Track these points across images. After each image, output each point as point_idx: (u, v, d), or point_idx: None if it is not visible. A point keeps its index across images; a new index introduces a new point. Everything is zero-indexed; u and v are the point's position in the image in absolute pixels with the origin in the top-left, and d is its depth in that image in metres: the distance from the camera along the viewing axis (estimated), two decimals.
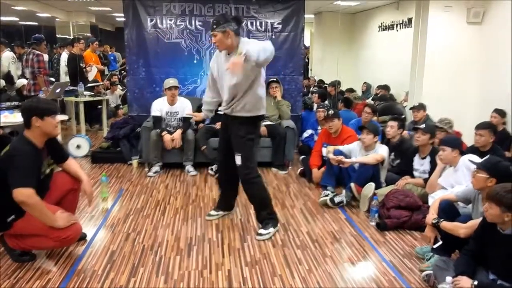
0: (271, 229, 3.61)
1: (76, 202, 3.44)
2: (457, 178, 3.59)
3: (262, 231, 3.59)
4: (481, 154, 3.88)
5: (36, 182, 2.83)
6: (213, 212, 3.99)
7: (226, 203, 4.03)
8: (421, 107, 5.82)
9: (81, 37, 8.55)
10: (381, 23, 9.98)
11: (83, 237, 3.41)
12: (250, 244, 3.47)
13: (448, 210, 3.14)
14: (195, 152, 5.48)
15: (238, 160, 3.51)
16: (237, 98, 3.42)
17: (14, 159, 2.80)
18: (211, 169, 5.35)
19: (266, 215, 3.66)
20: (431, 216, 3.14)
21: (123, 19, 6.15)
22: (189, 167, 5.44)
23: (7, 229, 2.95)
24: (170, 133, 5.33)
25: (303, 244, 3.48)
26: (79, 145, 6.08)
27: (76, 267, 3.04)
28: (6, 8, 9.12)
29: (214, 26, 3.29)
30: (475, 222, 2.77)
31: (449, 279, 2.54)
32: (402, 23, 8.97)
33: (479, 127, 4.25)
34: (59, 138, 3.62)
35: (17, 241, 3.01)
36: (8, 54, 8.32)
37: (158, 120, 5.40)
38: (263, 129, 5.61)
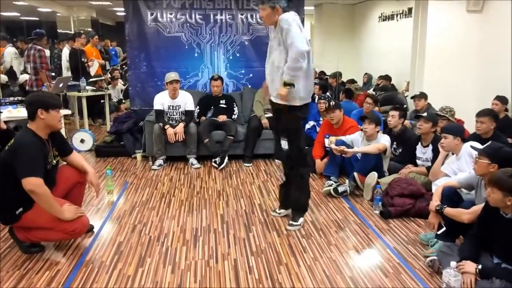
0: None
1: (82, 195, 3.49)
2: (460, 166, 3.62)
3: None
4: (483, 141, 3.90)
5: (43, 172, 2.86)
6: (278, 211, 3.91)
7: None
8: (422, 96, 5.84)
9: (82, 31, 8.53)
10: (381, 14, 9.97)
11: (90, 229, 3.45)
12: (255, 234, 3.51)
13: (451, 196, 3.17)
14: (198, 145, 5.51)
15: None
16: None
17: (20, 151, 2.84)
18: (215, 162, 5.38)
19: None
20: (435, 202, 3.17)
21: (123, 13, 6.16)
22: (192, 160, 5.47)
23: (16, 222, 2.98)
24: (173, 126, 5.36)
25: (308, 233, 3.52)
26: (83, 140, 6.11)
27: (84, 258, 3.08)
28: (7, 3, 9.13)
29: (265, 0, 3.27)
30: (478, 208, 2.80)
31: (453, 263, 2.57)
32: (402, 13, 8.97)
33: (480, 114, 4.28)
34: (63, 132, 3.65)
35: (26, 234, 3.05)
36: (10, 50, 8.33)
37: (160, 114, 5.43)
38: (265, 122, 5.64)
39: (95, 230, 3.53)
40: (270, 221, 3.76)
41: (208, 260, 3.06)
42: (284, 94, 3.22)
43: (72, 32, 10.95)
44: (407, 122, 5.26)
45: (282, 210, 3.86)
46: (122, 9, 6.18)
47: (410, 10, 8.33)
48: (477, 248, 2.68)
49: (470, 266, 2.53)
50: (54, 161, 3.12)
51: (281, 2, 3.24)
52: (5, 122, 4.44)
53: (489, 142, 3.38)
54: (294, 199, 3.68)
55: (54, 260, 3.05)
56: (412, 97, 6.18)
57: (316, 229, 3.59)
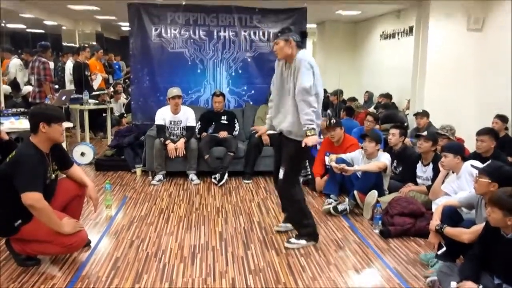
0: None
1: (80, 208, 3.47)
2: (460, 184, 3.60)
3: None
4: (483, 160, 3.89)
5: (43, 187, 2.86)
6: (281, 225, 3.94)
7: None
8: (424, 114, 5.87)
9: (86, 45, 8.61)
10: (383, 32, 10.04)
11: (87, 244, 3.42)
12: (254, 252, 3.48)
13: (452, 215, 3.15)
14: (198, 161, 5.51)
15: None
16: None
17: (21, 163, 2.84)
18: (215, 178, 5.37)
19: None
20: (435, 222, 3.15)
21: (128, 28, 6.22)
22: (192, 176, 5.46)
23: (14, 234, 2.97)
24: (174, 141, 5.36)
25: (307, 252, 3.49)
26: (83, 153, 6.11)
27: (81, 273, 3.05)
28: (14, 15, 9.22)
29: (278, 34, 3.36)
30: (478, 227, 2.78)
31: (454, 284, 2.54)
32: (403, 31, 9.04)
33: (480, 133, 4.28)
34: (64, 145, 3.65)
35: (23, 246, 3.03)
36: (15, 61, 8.40)
37: (161, 129, 5.44)
38: (265, 139, 5.64)
39: (92, 244, 3.51)
40: (269, 239, 3.73)
41: (205, 278, 3.03)
42: (314, 140, 3.24)
43: (77, 45, 11.04)
44: (407, 140, 5.25)
45: (283, 225, 3.89)
46: (127, 24, 6.25)
47: (411, 28, 8.40)
48: (477, 268, 2.66)
49: (470, 287, 2.50)
50: (53, 176, 3.11)
51: (294, 35, 3.32)
52: (7, 133, 4.46)
53: (490, 161, 3.37)
54: (294, 222, 3.72)
55: (50, 274, 3.02)
56: (414, 115, 6.19)
57: (315, 248, 3.56)
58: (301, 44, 3.38)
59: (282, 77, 3.46)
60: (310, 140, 3.23)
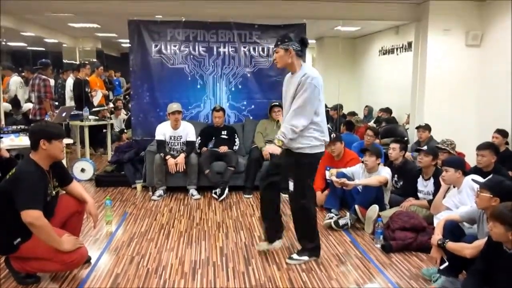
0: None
1: (80, 224, 3.46)
2: (462, 199, 3.60)
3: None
4: (484, 174, 3.89)
5: (43, 204, 2.85)
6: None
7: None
8: (426, 127, 5.90)
9: (87, 62, 8.67)
10: (382, 47, 10.12)
11: (87, 260, 3.40)
12: (255, 267, 3.45)
13: (453, 230, 3.13)
14: (199, 176, 5.50)
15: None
16: None
17: (21, 181, 2.83)
18: (215, 193, 5.36)
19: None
20: (437, 237, 3.13)
21: (128, 44, 6.27)
22: (192, 191, 5.45)
23: (14, 252, 2.95)
24: (174, 157, 5.37)
25: (308, 267, 3.46)
26: (83, 169, 6.11)
27: None
28: (15, 34, 9.30)
29: (278, 43, 3.35)
30: (480, 242, 2.77)
31: None
32: (402, 47, 9.10)
33: (480, 147, 4.28)
34: (63, 161, 3.65)
35: (22, 264, 3.00)
36: (16, 79, 8.44)
37: (161, 144, 5.45)
38: (266, 153, 5.64)
39: (92, 261, 3.48)
40: (270, 254, 3.70)
41: None
42: (272, 149, 3.34)
43: (77, 62, 11.11)
44: (408, 155, 5.26)
45: (264, 244, 3.73)
46: (127, 40, 6.30)
47: (410, 44, 8.46)
48: (480, 283, 2.64)
49: None
50: (54, 192, 3.11)
51: (294, 44, 3.32)
52: (7, 150, 4.46)
53: (491, 175, 3.37)
54: (300, 232, 3.65)
55: None
56: (416, 127, 6.21)
57: (316, 263, 3.54)
58: (301, 53, 3.37)
59: (287, 89, 3.45)
60: (270, 148, 3.38)
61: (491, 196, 2.84)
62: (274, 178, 3.61)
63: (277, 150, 3.30)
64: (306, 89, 3.22)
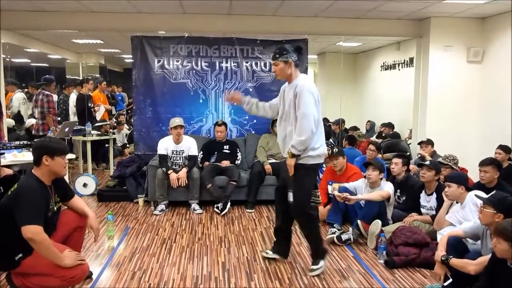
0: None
1: (82, 239, 3.43)
2: (465, 215, 3.58)
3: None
4: (487, 190, 3.88)
5: (44, 220, 2.84)
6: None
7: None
8: (429, 142, 5.89)
9: (90, 77, 8.73)
10: (383, 63, 10.17)
11: (89, 276, 3.38)
12: (257, 282, 3.43)
13: (457, 246, 3.11)
14: (201, 190, 5.50)
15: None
16: None
17: (22, 196, 2.82)
18: (217, 207, 5.35)
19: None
20: (440, 253, 3.11)
21: (131, 60, 6.32)
22: (194, 205, 5.44)
23: (15, 268, 2.92)
24: (176, 171, 5.37)
25: (311, 283, 3.43)
26: (85, 184, 6.11)
27: None
28: (19, 50, 9.39)
29: (277, 56, 3.40)
30: (485, 259, 2.74)
31: None
32: (403, 62, 9.15)
33: (483, 163, 4.27)
34: (66, 176, 3.65)
35: (23, 280, 2.97)
36: (19, 95, 8.49)
37: (164, 159, 5.45)
38: (268, 167, 5.65)
39: (94, 276, 3.47)
40: (273, 269, 3.68)
41: None
42: (292, 164, 3.37)
43: (80, 77, 11.19)
44: (413, 167, 5.25)
45: (270, 252, 3.87)
46: (130, 56, 6.35)
47: (411, 60, 8.51)
48: None
49: None
50: (55, 208, 3.10)
51: (293, 56, 3.38)
52: (9, 166, 4.47)
53: (494, 191, 3.36)
54: (307, 241, 3.73)
55: None
56: (419, 143, 6.21)
57: (319, 279, 3.51)
58: (298, 63, 3.44)
59: (284, 101, 3.50)
60: (292, 161, 3.37)
61: (495, 212, 2.83)
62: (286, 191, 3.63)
63: (291, 163, 3.35)
64: (302, 97, 3.27)
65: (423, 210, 4.32)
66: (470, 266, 2.83)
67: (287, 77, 3.43)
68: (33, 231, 2.74)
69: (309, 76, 3.38)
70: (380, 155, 6.03)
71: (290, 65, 3.37)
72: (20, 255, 2.88)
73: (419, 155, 6.00)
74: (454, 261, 2.96)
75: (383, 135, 8.62)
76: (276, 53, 3.42)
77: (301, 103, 3.27)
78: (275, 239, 3.92)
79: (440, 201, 4.04)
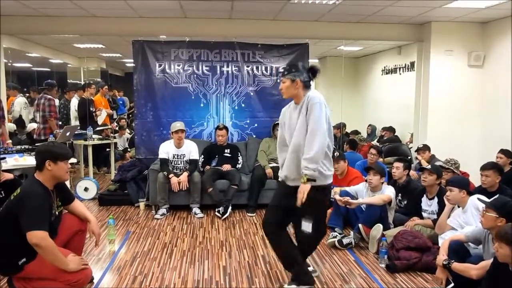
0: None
1: (83, 243, 3.44)
2: (466, 219, 3.57)
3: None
4: (489, 194, 3.87)
5: (48, 224, 2.84)
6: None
7: None
8: (426, 148, 5.88)
9: (92, 82, 8.75)
10: (384, 67, 10.18)
11: (90, 280, 3.37)
12: (258, 287, 3.42)
13: (458, 250, 3.11)
14: (202, 194, 5.49)
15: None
16: None
17: (26, 202, 2.82)
18: (218, 211, 5.34)
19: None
20: (442, 257, 3.11)
21: (132, 64, 6.34)
22: (195, 209, 5.43)
23: (18, 272, 2.92)
24: (177, 175, 5.37)
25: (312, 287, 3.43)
26: (87, 188, 6.11)
27: None
28: (20, 55, 9.42)
29: (285, 73, 3.15)
30: (487, 263, 2.74)
31: None
32: (404, 66, 9.16)
33: (484, 168, 4.27)
34: (67, 181, 3.65)
35: (25, 284, 2.97)
36: (20, 100, 8.51)
37: (165, 163, 5.46)
38: (269, 171, 5.64)
39: (95, 280, 3.46)
40: (274, 273, 3.67)
41: None
42: (308, 190, 2.94)
43: (82, 82, 11.21)
44: (413, 173, 5.24)
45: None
46: (131, 60, 6.37)
47: (412, 64, 8.51)
48: None
49: None
50: (57, 212, 3.10)
51: (301, 76, 3.11)
52: (10, 170, 4.48)
53: (497, 195, 3.35)
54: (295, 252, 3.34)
55: None
56: (416, 150, 6.20)
57: (320, 283, 3.50)
58: (308, 84, 3.15)
59: (290, 122, 3.19)
60: (301, 193, 2.94)
61: (497, 216, 2.82)
62: (283, 224, 3.33)
63: (307, 189, 2.93)
64: (312, 109, 3.00)
65: (424, 214, 4.32)
66: (472, 270, 2.83)
67: (293, 96, 3.17)
68: (38, 237, 2.74)
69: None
70: (381, 159, 6.02)
71: (297, 84, 3.09)
72: (24, 259, 2.88)
73: (417, 160, 5.99)
74: (456, 266, 2.95)
75: (384, 138, 8.62)
76: (285, 69, 3.19)
77: (310, 116, 3.00)
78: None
79: (441, 205, 4.03)
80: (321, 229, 3.36)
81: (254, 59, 6.34)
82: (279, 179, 3.36)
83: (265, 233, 3.37)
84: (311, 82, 3.18)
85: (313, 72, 3.18)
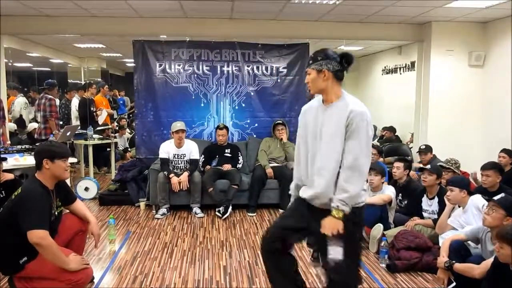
0: None
1: (83, 244, 3.43)
2: (467, 219, 3.56)
3: None
4: (490, 194, 3.87)
5: (48, 224, 2.84)
6: None
7: None
8: (427, 149, 5.85)
9: (92, 82, 8.76)
10: (385, 67, 10.18)
11: (90, 280, 3.37)
12: (259, 286, 3.42)
13: (459, 250, 3.11)
14: (202, 194, 5.49)
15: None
16: None
17: (26, 201, 2.82)
18: (219, 211, 5.34)
19: None
20: (443, 259, 3.11)
21: (133, 64, 6.34)
22: (196, 209, 5.43)
23: (19, 271, 2.92)
24: (177, 175, 5.37)
25: (312, 287, 3.42)
26: (87, 188, 6.11)
27: None
28: (20, 55, 9.44)
29: (310, 62, 2.49)
30: (489, 262, 2.73)
31: None
32: (405, 66, 9.16)
33: (485, 167, 4.27)
34: (67, 180, 3.65)
35: (26, 284, 2.97)
36: (20, 100, 8.52)
37: (165, 162, 5.46)
38: (269, 171, 5.64)
39: (96, 280, 3.46)
40: None
41: None
42: (340, 228, 2.33)
43: (82, 82, 11.22)
44: (413, 173, 5.24)
45: None
46: (132, 60, 6.37)
47: (413, 64, 8.51)
48: None
49: None
50: (57, 212, 3.10)
51: (330, 64, 2.42)
52: (11, 170, 4.48)
53: (503, 194, 3.34)
54: None
55: None
56: (418, 152, 6.19)
57: (321, 283, 3.49)
58: (341, 75, 2.46)
59: (315, 127, 2.50)
60: (330, 228, 2.34)
61: (506, 215, 2.81)
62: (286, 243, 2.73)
63: (340, 226, 2.32)
64: (359, 131, 2.35)
65: (425, 214, 4.31)
66: (475, 270, 2.82)
67: (321, 91, 2.48)
68: (39, 236, 2.74)
69: None
70: (381, 159, 6.01)
71: (325, 76, 2.42)
72: (25, 258, 2.88)
73: (419, 160, 5.98)
74: (458, 266, 2.95)
75: (384, 138, 8.62)
76: (310, 58, 2.51)
77: (354, 139, 2.34)
78: None
79: (442, 205, 4.03)
80: (354, 269, 2.54)
81: (254, 59, 6.34)
82: (298, 196, 2.64)
83: (264, 251, 2.79)
84: (344, 73, 2.48)
85: (347, 60, 2.44)
